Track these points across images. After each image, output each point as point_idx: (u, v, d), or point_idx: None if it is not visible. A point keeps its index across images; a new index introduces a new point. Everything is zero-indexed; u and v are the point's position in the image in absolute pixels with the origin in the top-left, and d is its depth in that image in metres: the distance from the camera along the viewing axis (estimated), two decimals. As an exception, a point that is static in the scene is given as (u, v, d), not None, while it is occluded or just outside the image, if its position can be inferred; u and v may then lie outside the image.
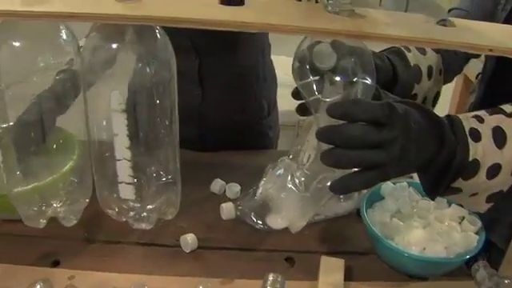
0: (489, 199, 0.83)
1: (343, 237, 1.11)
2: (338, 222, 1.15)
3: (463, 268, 0.96)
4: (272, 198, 0.90)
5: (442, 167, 0.77)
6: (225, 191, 1.21)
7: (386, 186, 1.09)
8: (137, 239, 1.05)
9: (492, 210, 1.05)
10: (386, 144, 0.70)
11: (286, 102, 2.63)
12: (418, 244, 0.96)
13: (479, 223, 1.01)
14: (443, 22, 0.62)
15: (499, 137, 0.78)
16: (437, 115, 0.77)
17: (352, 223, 1.13)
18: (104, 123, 0.73)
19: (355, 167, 0.72)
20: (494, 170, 0.78)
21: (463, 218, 1.03)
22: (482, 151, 0.76)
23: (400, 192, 1.08)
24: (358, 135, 0.69)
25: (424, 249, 0.96)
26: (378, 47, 0.98)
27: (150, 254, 1.03)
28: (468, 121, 0.78)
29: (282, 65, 3.01)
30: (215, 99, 1.40)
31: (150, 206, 0.82)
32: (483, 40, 0.59)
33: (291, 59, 0.80)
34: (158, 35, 0.69)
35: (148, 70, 0.69)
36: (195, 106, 1.39)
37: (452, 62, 1.15)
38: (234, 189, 1.20)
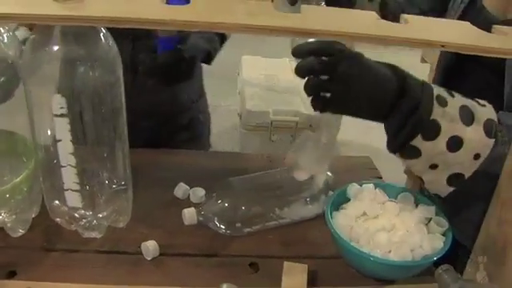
0: (449, 180, 0.83)
1: (309, 241, 1.09)
2: (304, 226, 1.12)
3: (432, 269, 0.94)
4: (297, 155, 1.02)
5: (403, 118, 0.78)
6: (189, 196, 1.18)
7: (352, 188, 1.07)
8: (97, 247, 1.01)
9: (461, 210, 1.04)
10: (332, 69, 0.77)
11: (256, 103, 2.64)
12: (383, 247, 0.94)
13: (446, 224, 0.99)
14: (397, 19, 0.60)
15: (467, 114, 0.79)
16: (402, 70, 0.81)
17: (319, 226, 1.10)
18: (49, 129, 0.70)
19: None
20: (455, 144, 0.78)
21: (430, 219, 1.01)
22: (445, 117, 0.77)
23: (366, 194, 1.06)
24: (305, 64, 0.77)
25: (390, 252, 0.94)
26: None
27: (110, 262, 0.99)
28: (439, 89, 0.80)
29: (258, 65, 3.01)
30: (146, 86, 1.43)
31: (100, 215, 0.79)
32: (435, 36, 0.57)
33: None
34: (102, 38, 0.66)
35: (91, 73, 0.66)
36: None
37: None
38: (198, 193, 1.17)
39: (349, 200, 1.06)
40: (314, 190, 1.16)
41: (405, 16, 0.62)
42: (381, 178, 1.36)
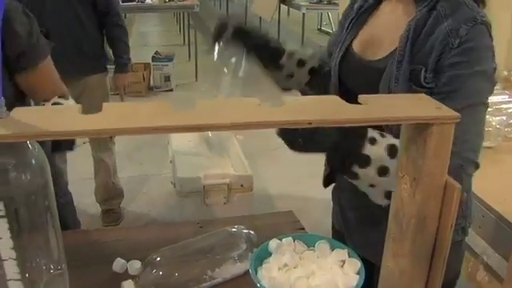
0: (386, 195, 1.08)
1: (241, 296, 1.19)
2: (235, 283, 1.23)
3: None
4: None
5: (344, 153, 1.05)
6: (127, 269, 1.27)
7: (273, 243, 1.18)
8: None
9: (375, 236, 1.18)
10: None
11: (188, 170, 2.75)
12: (304, 293, 1.05)
13: (359, 264, 1.12)
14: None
15: (393, 150, 1.04)
16: None
17: (249, 282, 1.20)
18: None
19: None
20: (383, 171, 1.05)
21: (344, 261, 1.14)
22: (373, 152, 1.04)
23: (286, 247, 1.17)
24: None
25: (310, 296, 1.05)
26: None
27: None
28: (373, 132, 1.06)
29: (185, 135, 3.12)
30: None
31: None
32: (304, 115, 0.70)
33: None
34: (29, 145, 0.76)
35: (23, 177, 0.76)
36: None
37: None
38: (134, 266, 1.26)
39: (271, 254, 1.17)
40: (242, 249, 1.28)
41: (283, 99, 0.75)
42: (303, 229, 1.48)
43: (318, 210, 3.37)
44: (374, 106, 0.78)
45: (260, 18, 8.43)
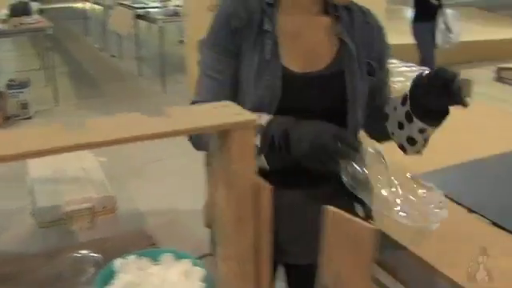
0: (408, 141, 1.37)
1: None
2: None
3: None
4: None
5: None
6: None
7: (117, 262, 1.17)
8: None
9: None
10: None
11: (47, 198, 2.65)
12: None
13: (203, 271, 1.14)
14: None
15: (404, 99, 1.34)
16: None
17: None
18: None
19: None
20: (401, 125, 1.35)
21: (188, 271, 1.15)
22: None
23: (130, 265, 1.17)
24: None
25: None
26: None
27: None
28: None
29: (44, 160, 2.98)
30: None
31: None
32: (105, 136, 0.71)
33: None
34: None
35: None
36: None
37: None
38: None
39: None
40: (90, 273, 1.26)
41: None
42: (154, 244, 1.49)
43: (191, 220, 3.38)
44: (178, 118, 0.81)
45: (118, 33, 8.34)
